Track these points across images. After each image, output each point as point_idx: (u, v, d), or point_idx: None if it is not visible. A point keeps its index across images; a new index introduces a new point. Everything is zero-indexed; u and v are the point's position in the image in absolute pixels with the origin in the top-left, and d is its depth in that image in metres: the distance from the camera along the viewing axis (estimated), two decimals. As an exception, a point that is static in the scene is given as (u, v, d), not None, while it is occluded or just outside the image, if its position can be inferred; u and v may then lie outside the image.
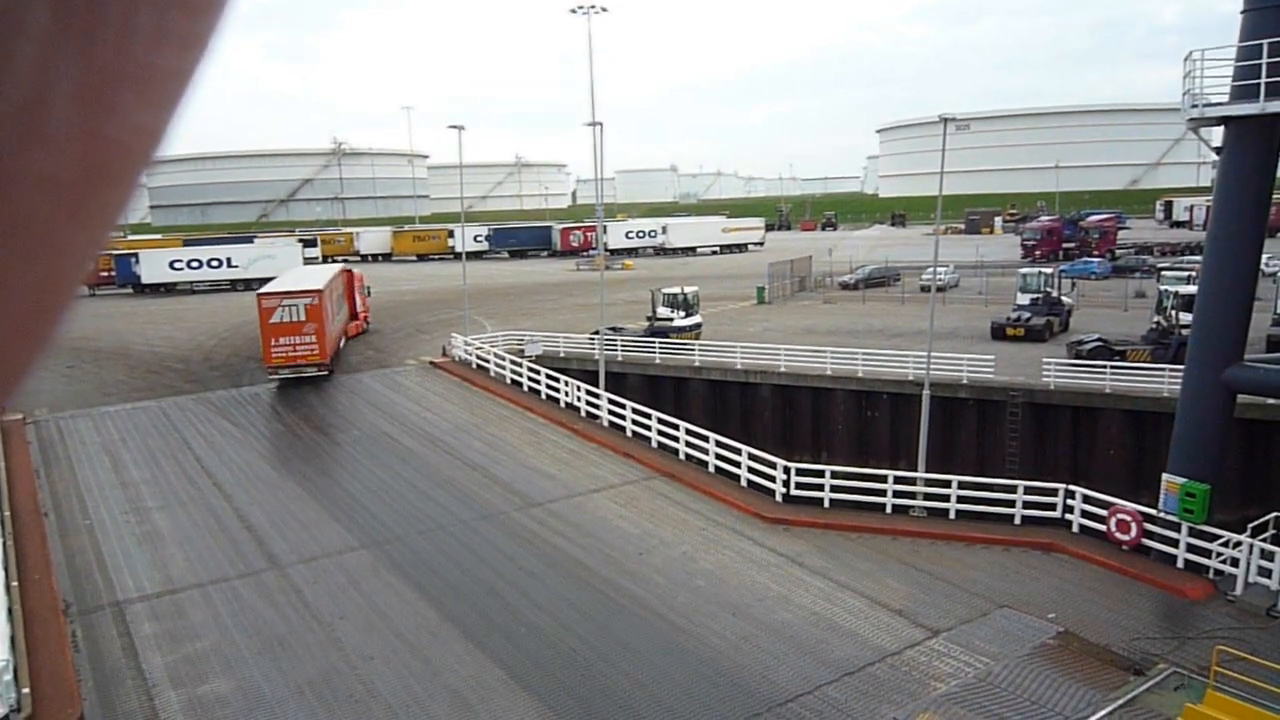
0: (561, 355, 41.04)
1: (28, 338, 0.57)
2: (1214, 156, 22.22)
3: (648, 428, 30.95)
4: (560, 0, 41.28)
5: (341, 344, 43.48)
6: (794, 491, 25.99)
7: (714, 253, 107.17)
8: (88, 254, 0.58)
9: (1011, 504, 24.28)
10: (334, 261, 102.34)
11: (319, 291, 37.34)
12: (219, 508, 25.55)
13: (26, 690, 15.88)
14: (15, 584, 19.81)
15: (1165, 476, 22.12)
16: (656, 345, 40.17)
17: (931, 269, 36.66)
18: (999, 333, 42.24)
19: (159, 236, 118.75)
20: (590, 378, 36.03)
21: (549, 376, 36.09)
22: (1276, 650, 17.19)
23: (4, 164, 0.50)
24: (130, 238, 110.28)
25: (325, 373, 37.99)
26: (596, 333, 39.75)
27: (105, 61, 0.52)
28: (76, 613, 19.61)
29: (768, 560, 22.47)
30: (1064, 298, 45.91)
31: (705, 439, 28.71)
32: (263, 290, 38.64)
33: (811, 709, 16.23)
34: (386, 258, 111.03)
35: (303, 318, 36.76)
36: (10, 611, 18.44)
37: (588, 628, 19.05)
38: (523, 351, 40.76)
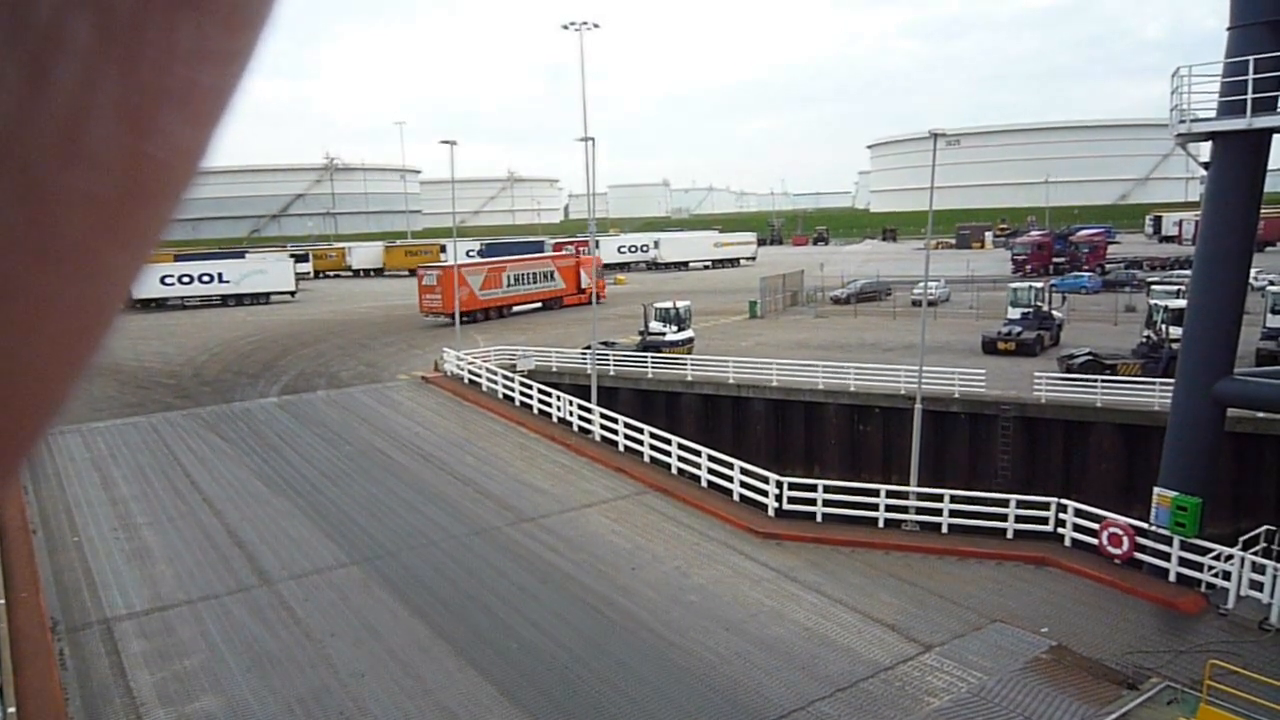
0: (554, 370, 41.01)
1: (69, 359, 0.56)
2: (1202, 171, 22.36)
3: (640, 442, 30.90)
4: (552, 15, 41.54)
5: (514, 307, 64.07)
6: (786, 506, 25.95)
7: (706, 267, 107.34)
8: (129, 274, 0.57)
9: (1004, 518, 24.28)
10: (327, 276, 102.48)
11: (447, 268, 58.48)
12: (209, 524, 25.39)
13: (13, 709, 15.72)
14: (2, 601, 19.64)
15: (1157, 490, 22.15)
16: (649, 360, 40.19)
17: (922, 283, 36.80)
18: (990, 347, 42.36)
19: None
20: (583, 393, 35.99)
21: (541, 391, 36.04)
22: (1269, 664, 17.21)
23: (45, 183, 0.49)
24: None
25: (449, 320, 52.83)
26: (589, 348, 39.75)
27: (147, 79, 0.52)
28: (64, 630, 19.42)
29: (760, 575, 22.41)
30: (1054, 312, 46.09)
31: (697, 453, 28.67)
32: (420, 266, 65.70)
33: (805, 725, 16.15)
34: (379, 272, 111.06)
35: (434, 284, 57.86)
36: (-3, 629, 18.28)
37: (580, 643, 18.95)
38: (515, 366, 40.75)
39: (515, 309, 64.34)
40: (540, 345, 44.86)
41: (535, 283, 65.94)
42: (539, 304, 66.54)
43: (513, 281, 63.92)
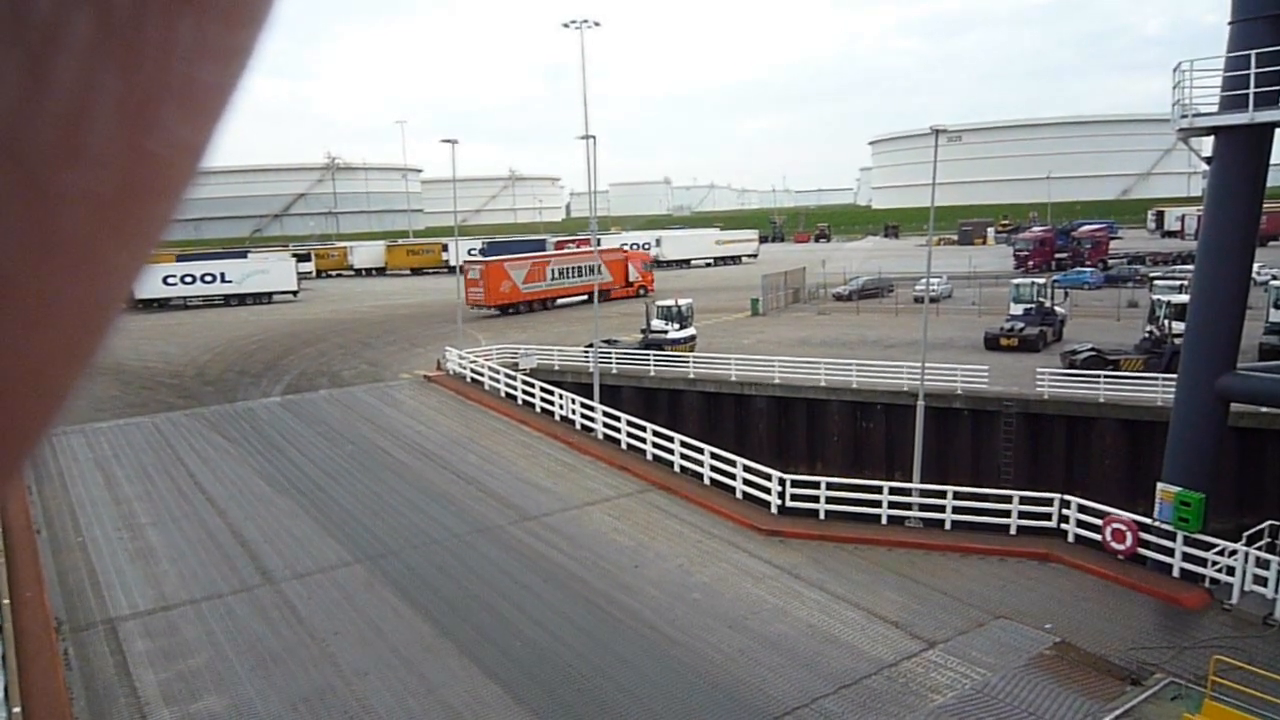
0: (556, 368, 41.01)
1: (71, 357, 0.56)
2: (1204, 166, 22.31)
3: (642, 440, 30.89)
4: (552, 13, 41.63)
5: (558, 300, 66.87)
6: (789, 503, 25.93)
7: (708, 265, 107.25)
8: (131, 272, 0.57)
9: (1007, 514, 24.26)
10: (329, 275, 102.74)
11: (487, 263, 64.88)
12: (212, 523, 25.41)
13: (18, 709, 15.74)
14: (7, 601, 19.67)
15: (1160, 485, 22.12)
16: (651, 358, 40.17)
17: (925, 280, 36.77)
18: (993, 343, 42.32)
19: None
20: (585, 391, 35.99)
21: (543, 390, 36.03)
22: (1273, 659, 17.19)
23: (46, 180, 0.49)
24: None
25: (494, 312, 62.24)
26: (591, 346, 39.74)
27: (147, 75, 0.51)
28: (68, 630, 19.46)
29: (763, 572, 22.41)
30: (1057, 308, 46.00)
31: (700, 451, 28.65)
32: (465, 260, 68.10)
33: (808, 722, 16.14)
34: (381, 271, 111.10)
35: (478, 277, 62.16)
36: (1, 630, 18.31)
37: (583, 642, 18.96)
38: (517, 365, 40.74)
39: (559, 302, 66.74)
40: (542, 343, 44.86)
41: (580, 276, 67.35)
42: (584, 297, 67.36)
43: (556, 275, 66.66)
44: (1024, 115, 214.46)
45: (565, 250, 79.10)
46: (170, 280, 75.73)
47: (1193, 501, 21.14)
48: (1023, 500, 24.25)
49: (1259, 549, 20.56)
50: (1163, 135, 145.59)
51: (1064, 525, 23.62)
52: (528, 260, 67.48)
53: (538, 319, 60.71)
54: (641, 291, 71.18)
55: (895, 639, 18.99)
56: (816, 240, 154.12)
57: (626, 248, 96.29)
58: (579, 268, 67.72)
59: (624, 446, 31.62)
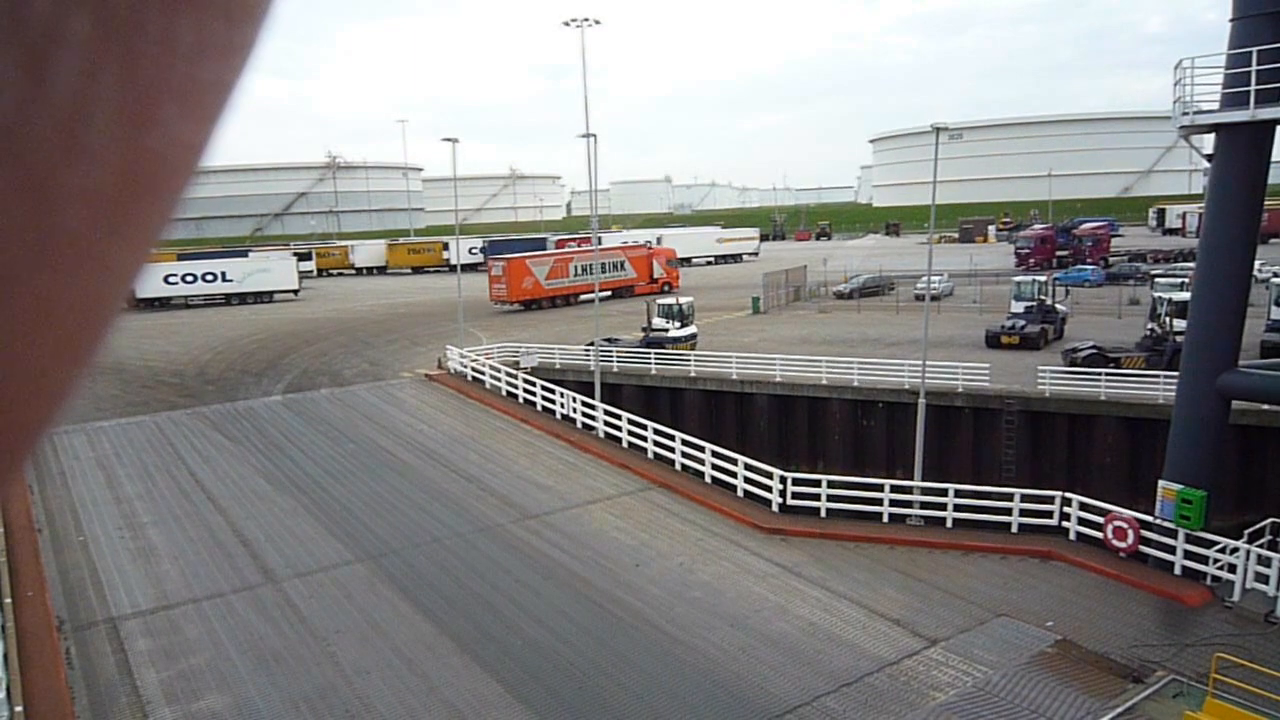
0: (557, 367, 41.00)
1: (71, 357, 0.55)
2: (1205, 164, 22.29)
3: (644, 439, 30.90)
4: (552, 12, 41.63)
5: (580, 295, 66.33)
6: (790, 501, 25.94)
7: (709, 263, 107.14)
8: (130, 270, 0.56)
9: (1008, 512, 24.26)
10: (330, 274, 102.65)
11: (510, 260, 65.40)
12: (214, 522, 25.43)
13: (20, 709, 15.76)
14: (8, 601, 19.69)
15: (1161, 483, 22.12)
16: (652, 356, 40.15)
17: (926, 278, 36.74)
18: (994, 341, 42.28)
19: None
20: (586, 389, 35.99)
21: (544, 388, 36.04)
22: (1275, 656, 17.18)
23: (45, 178, 0.49)
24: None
25: (517, 308, 63.90)
26: (592, 344, 39.73)
27: (146, 73, 0.51)
28: (70, 629, 19.47)
29: (765, 571, 22.41)
30: (1058, 305, 45.97)
31: (701, 449, 28.65)
32: (490, 257, 71.76)
33: (810, 720, 16.15)
34: (381, 270, 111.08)
35: (501, 274, 63.73)
36: (3, 629, 18.34)
37: (584, 640, 18.97)
38: (518, 363, 40.74)
39: (582, 297, 66.85)
40: (544, 342, 44.87)
41: (604, 272, 67.16)
42: (608, 293, 67.31)
43: (579, 271, 67.03)
44: (1025, 113, 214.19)
45: (589, 247, 79.47)
46: (171, 279, 75.70)
47: (1194, 499, 21.13)
48: (1024, 498, 24.25)
49: (1260, 546, 20.56)
50: (1164, 133, 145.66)
51: (1065, 523, 23.62)
52: (550, 257, 68.92)
53: (542, 317, 60.66)
54: (666, 288, 71.39)
55: (896, 637, 19.00)
56: (817, 238, 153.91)
57: (648, 244, 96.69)
58: (602, 264, 67.44)
59: (625, 445, 31.63)
